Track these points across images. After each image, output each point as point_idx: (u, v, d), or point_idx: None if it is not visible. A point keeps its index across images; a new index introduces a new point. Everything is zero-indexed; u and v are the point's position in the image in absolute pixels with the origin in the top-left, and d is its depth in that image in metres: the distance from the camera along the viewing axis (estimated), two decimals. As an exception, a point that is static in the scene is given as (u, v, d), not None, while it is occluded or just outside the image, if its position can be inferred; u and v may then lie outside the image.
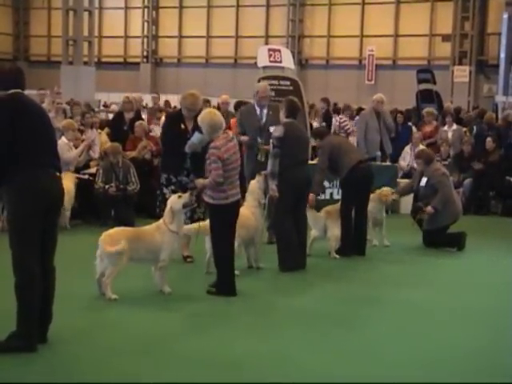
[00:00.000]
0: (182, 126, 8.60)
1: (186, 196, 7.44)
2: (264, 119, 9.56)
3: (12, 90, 5.47)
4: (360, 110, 17.92)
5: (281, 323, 6.59)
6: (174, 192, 8.29)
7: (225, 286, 7.32)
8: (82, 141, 11.71)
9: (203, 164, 8.32)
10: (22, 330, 5.34)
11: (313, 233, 9.33)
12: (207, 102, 15.16)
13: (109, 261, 6.97)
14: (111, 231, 7.21)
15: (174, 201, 7.41)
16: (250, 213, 8.28)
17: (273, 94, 14.94)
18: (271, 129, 9.04)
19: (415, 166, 11.90)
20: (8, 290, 5.44)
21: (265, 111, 9.57)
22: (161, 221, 7.40)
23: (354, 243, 9.35)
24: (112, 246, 6.96)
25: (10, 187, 5.40)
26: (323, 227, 9.34)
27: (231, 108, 14.51)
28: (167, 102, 23.13)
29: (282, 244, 8.55)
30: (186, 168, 8.55)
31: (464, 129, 16.67)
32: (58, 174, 5.63)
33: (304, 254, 8.68)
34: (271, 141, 8.58)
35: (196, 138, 8.15)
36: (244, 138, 9.56)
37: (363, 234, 9.50)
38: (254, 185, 8.50)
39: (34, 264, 5.39)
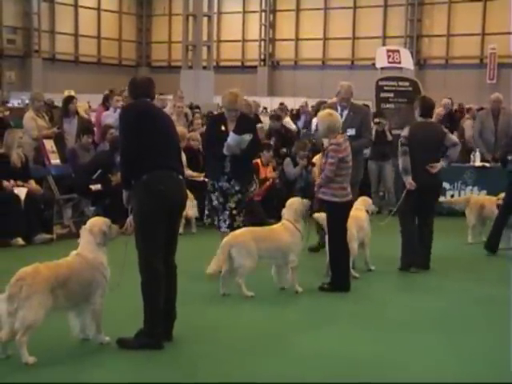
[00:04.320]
0: (222, 128, 8.01)
1: (306, 201, 7.62)
2: (343, 119, 9.01)
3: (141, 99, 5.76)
4: (481, 109, 17.42)
5: (393, 322, 6.57)
6: (217, 199, 8.03)
7: (341, 282, 7.49)
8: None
9: (244, 168, 8.08)
10: (148, 328, 5.53)
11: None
12: (322, 104, 15.19)
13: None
14: (237, 232, 7.40)
15: (297, 202, 7.57)
16: (363, 215, 8.42)
17: (391, 95, 14.88)
18: (348, 131, 8.61)
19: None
20: (137, 289, 5.64)
21: (345, 112, 9.11)
22: (285, 221, 7.53)
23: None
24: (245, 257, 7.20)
25: (135, 188, 5.63)
26: None
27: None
28: (282, 105, 23.30)
29: (403, 242, 8.60)
30: (226, 173, 7.99)
31: None
32: (180, 177, 5.81)
33: (427, 255, 8.59)
34: (400, 140, 8.66)
35: (232, 139, 7.80)
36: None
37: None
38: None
39: (159, 263, 5.58)
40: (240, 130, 7.86)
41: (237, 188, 8.01)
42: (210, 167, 8.35)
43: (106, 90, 17.14)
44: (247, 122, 8.17)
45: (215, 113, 18.76)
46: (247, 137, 7.81)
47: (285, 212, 7.60)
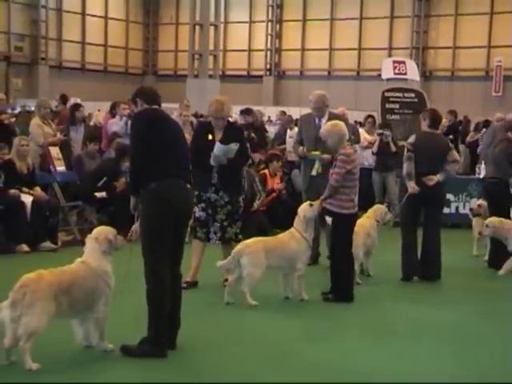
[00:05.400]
0: (210, 137, 7.78)
1: (317, 204, 7.54)
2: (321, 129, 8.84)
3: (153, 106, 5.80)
4: (486, 122, 17.38)
5: (399, 332, 6.58)
6: (204, 210, 7.80)
7: (345, 292, 7.51)
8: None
9: (232, 178, 7.84)
10: (152, 336, 5.53)
11: None
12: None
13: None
14: (249, 241, 7.40)
15: (306, 209, 7.52)
16: (369, 223, 8.60)
17: (397, 106, 14.89)
18: None
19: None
20: (141, 296, 5.63)
21: (323, 120, 8.82)
22: (292, 229, 7.52)
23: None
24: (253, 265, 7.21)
25: (143, 196, 5.64)
26: None
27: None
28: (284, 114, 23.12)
29: (402, 253, 8.69)
30: (213, 184, 7.77)
31: None
32: (188, 185, 5.84)
33: (433, 264, 8.61)
34: (406, 146, 8.75)
35: (218, 149, 7.58)
36: (300, 150, 9.01)
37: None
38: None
39: (165, 271, 5.58)
40: (227, 139, 7.68)
41: (226, 199, 7.80)
42: (197, 178, 7.92)
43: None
44: (234, 130, 7.97)
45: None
46: (234, 146, 7.61)
47: (295, 220, 7.59)
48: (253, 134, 13.45)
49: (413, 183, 8.53)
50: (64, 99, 17.82)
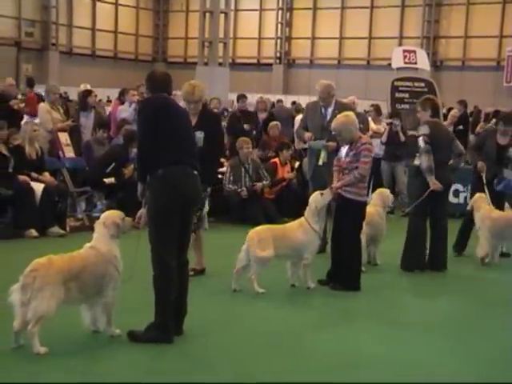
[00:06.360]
0: None
1: (327, 192, 7.50)
2: (328, 118, 8.87)
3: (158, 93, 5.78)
4: (496, 112, 17.32)
5: (404, 322, 6.57)
6: None
7: (352, 281, 7.51)
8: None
9: (204, 168, 7.11)
10: (159, 322, 5.56)
11: None
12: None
13: (257, 264, 7.22)
14: (259, 229, 7.41)
15: (318, 199, 7.49)
16: (375, 211, 8.50)
17: (407, 95, 14.87)
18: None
19: None
20: (148, 282, 5.65)
21: (330, 110, 8.94)
22: (302, 219, 7.50)
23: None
24: (261, 249, 7.18)
25: (151, 183, 5.66)
26: None
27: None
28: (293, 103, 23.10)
29: (408, 242, 8.57)
30: None
31: None
32: (195, 172, 5.83)
33: (440, 254, 8.60)
34: (420, 138, 8.39)
35: None
36: (308, 135, 9.06)
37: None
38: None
39: (171, 258, 5.60)
40: (200, 126, 7.41)
41: None
42: None
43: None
44: (208, 117, 7.66)
45: (230, 110, 18.81)
46: (198, 134, 7.27)
47: (306, 210, 7.56)
48: (246, 126, 13.48)
49: (434, 178, 8.27)
50: (30, 83, 17.78)
